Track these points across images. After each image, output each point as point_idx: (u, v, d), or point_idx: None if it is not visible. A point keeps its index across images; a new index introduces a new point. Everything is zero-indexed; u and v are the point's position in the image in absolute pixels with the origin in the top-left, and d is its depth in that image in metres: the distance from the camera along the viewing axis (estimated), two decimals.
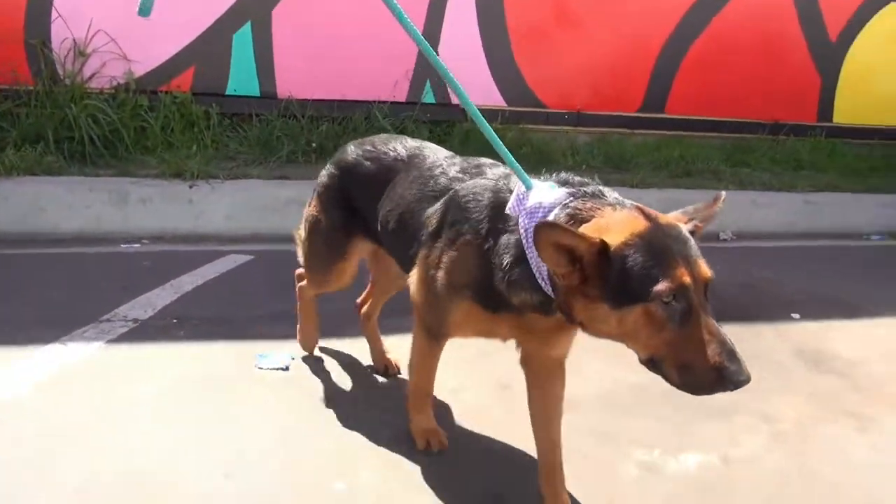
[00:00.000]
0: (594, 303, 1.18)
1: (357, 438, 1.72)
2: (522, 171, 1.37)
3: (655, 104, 5.13)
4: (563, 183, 1.35)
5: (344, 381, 2.04)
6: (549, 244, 1.15)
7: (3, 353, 2.02)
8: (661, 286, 1.11)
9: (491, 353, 1.83)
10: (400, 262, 1.71)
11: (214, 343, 2.19)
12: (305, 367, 2.08)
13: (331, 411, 1.85)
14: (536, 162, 4.65)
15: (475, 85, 4.72)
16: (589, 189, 1.30)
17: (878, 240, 4.18)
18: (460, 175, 1.54)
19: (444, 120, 4.73)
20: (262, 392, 1.93)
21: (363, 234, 1.80)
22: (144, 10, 1.34)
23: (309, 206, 1.92)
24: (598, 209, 1.23)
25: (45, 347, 2.07)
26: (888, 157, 5.45)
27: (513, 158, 1.39)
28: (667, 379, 1.17)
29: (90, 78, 3.99)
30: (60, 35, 3.91)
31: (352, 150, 1.84)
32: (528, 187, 1.34)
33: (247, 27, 4.28)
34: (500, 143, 1.40)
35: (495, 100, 4.84)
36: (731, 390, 1.11)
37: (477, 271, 1.37)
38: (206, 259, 2.99)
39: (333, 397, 1.93)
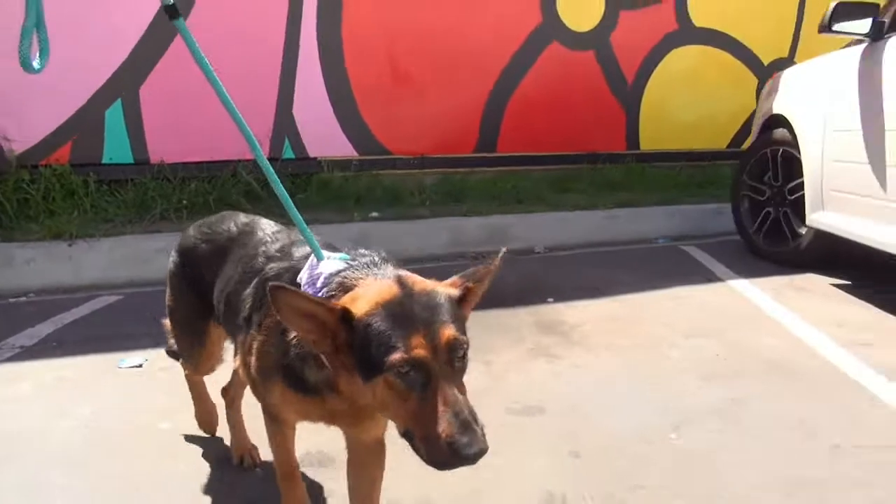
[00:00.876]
0: (352, 375, 1.20)
1: (185, 397, 2.49)
2: (315, 240, 1.41)
3: (488, 145, 6.17)
4: (354, 255, 1.39)
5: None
6: (288, 309, 1.17)
7: None
8: (395, 356, 1.11)
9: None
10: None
11: (86, 356, 2.91)
12: (157, 365, 2.83)
13: (169, 384, 2.61)
14: (389, 201, 5.56)
15: (328, 138, 5.62)
16: (364, 260, 1.34)
17: (662, 242, 5.26)
18: (278, 254, 1.55)
19: (303, 172, 5.57)
20: (118, 381, 2.68)
21: (213, 316, 1.77)
22: (25, 64, 1.31)
23: (166, 295, 1.95)
24: (362, 279, 1.26)
25: None
26: (692, 176, 6.66)
27: (305, 227, 1.44)
28: (418, 454, 1.15)
29: None
30: None
31: (190, 234, 1.87)
32: (320, 258, 1.38)
33: (118, 103, 5.04)
34: (293, 207, 1.46)
35: (347, 151, 5.74)
36: (467, 464, 1.09)
37: (277, 351, 1.36)
38: (83, 301, 3.69)
39: (174, 378, 2.69)
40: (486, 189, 5.98)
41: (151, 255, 4.32)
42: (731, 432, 2.27)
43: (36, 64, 1.33)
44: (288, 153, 5.57)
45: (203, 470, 2.08)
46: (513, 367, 2.78)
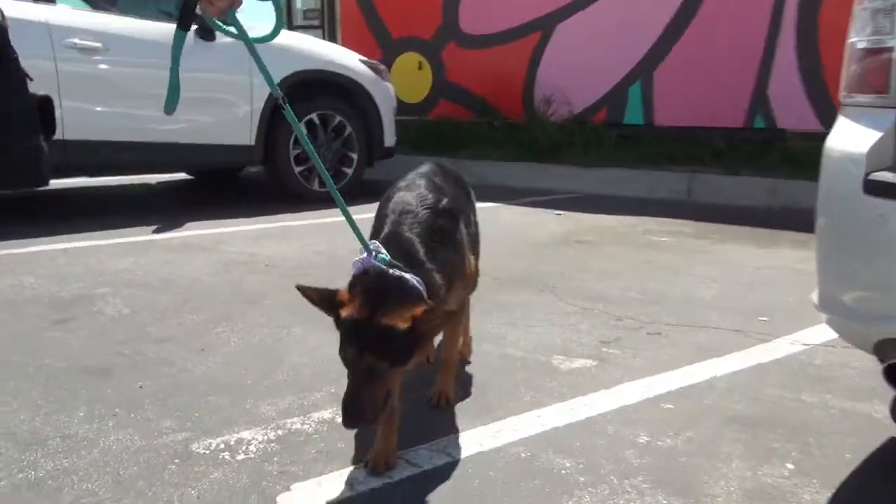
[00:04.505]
0: None
1: None
2: (362, 239, 2.09)
3: None
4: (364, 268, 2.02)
5: None
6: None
7: None
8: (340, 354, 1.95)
9: None
10: None
11: (535, 208, 6.55)
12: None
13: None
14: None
15: (796, 111, 7.90)
16: (367, 277, 1.99)
17: None
18: None
19: (768, 140, 8.04)
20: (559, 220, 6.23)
21: None
22: (168, 109, 1.97)
23: None
24: (353, 290, 1.99)
25: None
26: None
27: (361, 234, 2.11)
28: None
29: (551, 115, 8.90)
30: (539, 93, 8.96)
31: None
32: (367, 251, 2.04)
33: (637, 84, 8.58)
34: (353, 221, 2.12)
35: (812, 124, 7.90)
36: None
37: None
38: (572, 195, 7.39)
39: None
40: None
41: (618, 181, 7.73)
42: None
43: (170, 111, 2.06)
44: (759, 123, 8.12)
45: None
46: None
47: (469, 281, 2.47)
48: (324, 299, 1.96)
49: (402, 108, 8.50)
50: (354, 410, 1.87)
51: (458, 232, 2.32)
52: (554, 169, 8.19)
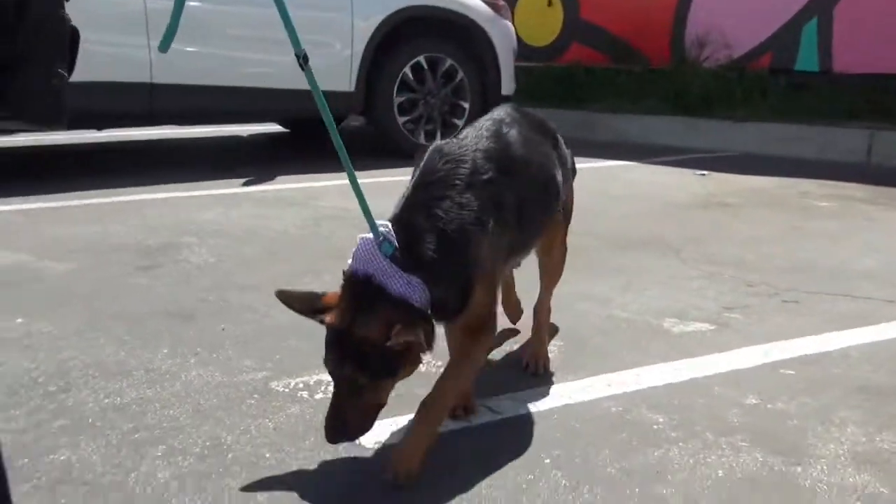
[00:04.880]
0: None
1: None
2: (372, 221, 2.08)
3: None
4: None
5: None
6: None
7: None
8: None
9: None
10: None
11: (672, 167, 6.67)
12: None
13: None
14: None
15: None
16: (349, 273, 2.09)
17: None
18: None
19: None
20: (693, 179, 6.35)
21: None
22: (163, 47, 2.00)
23: None
24: (340, 289, 2.12)
25: None
26: None
27: (370, 214, 2.09)
28: None
29: (704, 59, 8.91)
30: (691, 33, 8.98)
31: None
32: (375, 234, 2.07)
33: (813, 22, 8.46)
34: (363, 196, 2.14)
35: None
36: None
37: None
38: (711, 154, 7.44)
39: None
40: None
41: (782, 139, 7.68)
42: None
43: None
44: None
45: None
46: None
47: (488, 288, 2.26)
48: (306, 305, 2.10)
49: (525, 51, 8.77)
50: (336, 425, 2.05)
51: (489, 217, 2.16)
52: (704, 124, 8.26)
